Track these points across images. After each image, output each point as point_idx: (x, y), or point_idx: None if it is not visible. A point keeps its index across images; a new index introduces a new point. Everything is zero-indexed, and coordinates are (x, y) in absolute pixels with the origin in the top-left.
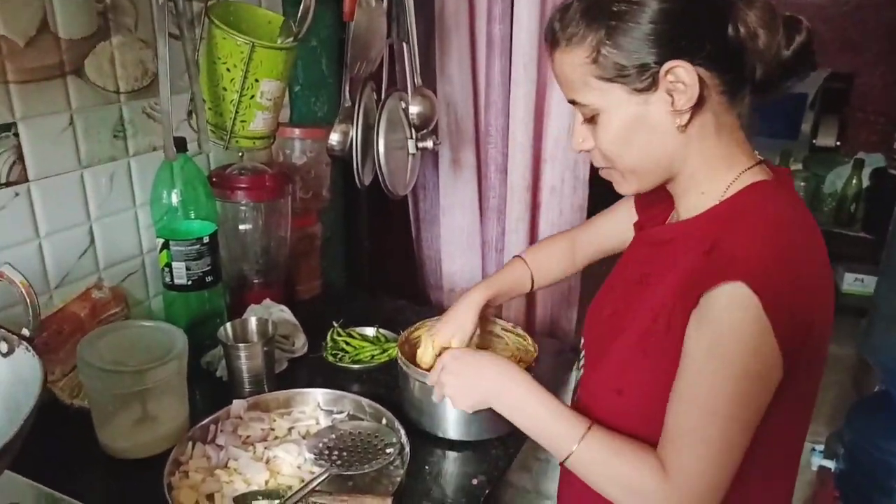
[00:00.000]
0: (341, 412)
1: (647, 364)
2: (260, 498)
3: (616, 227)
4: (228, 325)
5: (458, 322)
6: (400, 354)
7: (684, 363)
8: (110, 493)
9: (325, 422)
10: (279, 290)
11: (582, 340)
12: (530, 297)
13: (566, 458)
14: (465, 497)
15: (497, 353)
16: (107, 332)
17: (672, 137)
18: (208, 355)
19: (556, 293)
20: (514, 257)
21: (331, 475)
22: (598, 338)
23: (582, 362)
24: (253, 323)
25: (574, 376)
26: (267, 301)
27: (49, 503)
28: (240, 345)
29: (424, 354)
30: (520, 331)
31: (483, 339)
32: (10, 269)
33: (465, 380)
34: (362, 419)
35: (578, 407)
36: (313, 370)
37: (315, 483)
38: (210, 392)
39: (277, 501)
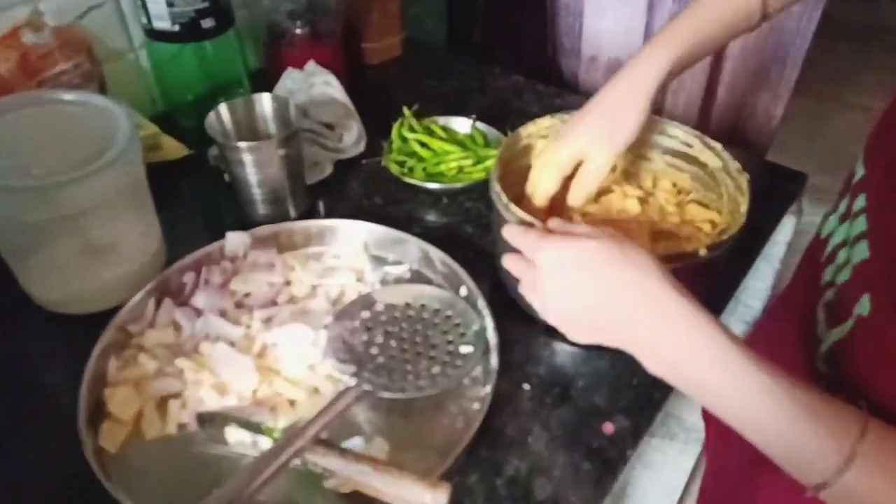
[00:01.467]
0: (399, 264)
1: None
2: (235, 425)
3: None
4: (223, 107)
5: (613, 116)
6: (496, 174)
7: None
8: (25, 366)
9: (371, 277)
10: (334, 49)
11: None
12: (714, 69)
13: (823, 486)
14: (590, 461)
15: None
16: (4, 109)
17: None
18: (214, 147)
19: (750, 62)
20: None
21: (360, 397)
22: None
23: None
24: (266, 105)
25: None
26: (311, 66)
27: None
28: (240, 144)
29: (539, 180)
30: (736, 171)
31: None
32: None
33: (585, 309)
34: (430, 280)
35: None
36: (368, 185)
37: (320, 425)
38: (221, 204)
39: (266, 444)
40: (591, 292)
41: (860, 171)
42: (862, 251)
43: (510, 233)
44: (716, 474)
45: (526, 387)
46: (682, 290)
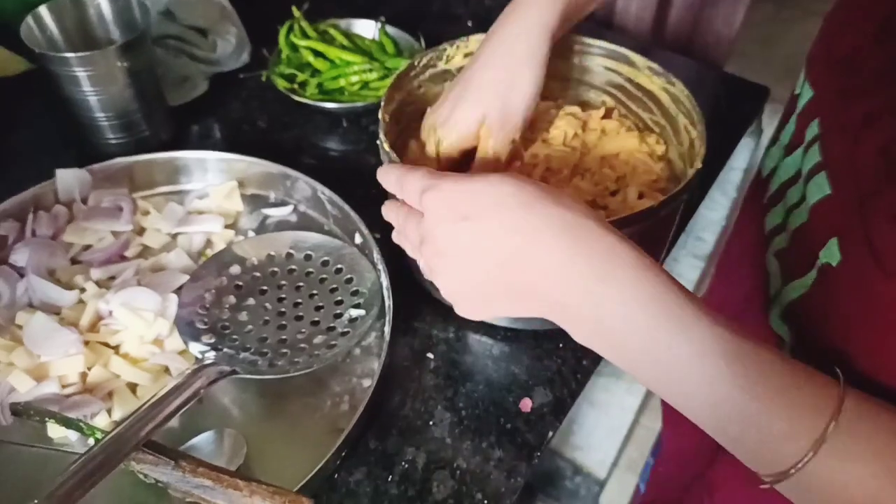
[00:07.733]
0: (283, 205)
1: None
2: (52, 420)
3: None
4: (45, 9)
5: (505, 92)
6: (385, 109)
7: None
8: None
9: (247, 222)
10: None
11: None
12: None
13: (784, 475)
14: (501, 447)
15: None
16: None
17: None
18: None
19: None
20: None
21: (215, 379)
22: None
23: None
24: (103, 3)
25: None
26: None
27: None
28: (67, 55)
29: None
30: (672, 81)
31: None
32: None
33: (497, 265)
34: (321, 225)
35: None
36: (250, 106)
37: (153, 422)
38: (69, 134)
39: (85, 450)
40: (502, 240)
41: (807, 94)
42: (820, 186)
43: (386, 175)
44: (670, 460)
45: (430, 356)
46: (622, 235)
